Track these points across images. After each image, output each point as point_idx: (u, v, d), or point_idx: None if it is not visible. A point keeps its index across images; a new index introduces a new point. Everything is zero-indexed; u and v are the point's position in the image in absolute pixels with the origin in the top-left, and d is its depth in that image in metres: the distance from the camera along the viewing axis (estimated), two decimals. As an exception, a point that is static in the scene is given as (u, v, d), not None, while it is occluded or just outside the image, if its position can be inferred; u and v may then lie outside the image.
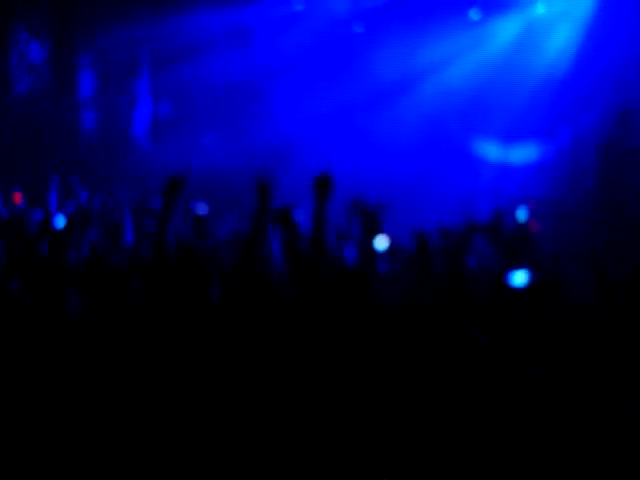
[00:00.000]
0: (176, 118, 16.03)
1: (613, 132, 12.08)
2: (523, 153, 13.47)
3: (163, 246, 4.75)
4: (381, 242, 6.02)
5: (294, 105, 15.44)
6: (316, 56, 15.33)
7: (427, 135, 14.85)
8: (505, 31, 14.51)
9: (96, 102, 15.94)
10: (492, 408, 3.10)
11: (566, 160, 12.88)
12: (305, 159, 14.83)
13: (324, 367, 3.64)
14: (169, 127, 15.97)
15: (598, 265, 6.21)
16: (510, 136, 13.89)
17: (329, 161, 14.19)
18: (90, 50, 15.81)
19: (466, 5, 14.71)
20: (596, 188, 12.16)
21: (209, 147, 15.94)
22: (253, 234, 4.72)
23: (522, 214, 7.30)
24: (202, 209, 7.97)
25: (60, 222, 7.08)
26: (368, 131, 15.25)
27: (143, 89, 16.01)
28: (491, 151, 14.07)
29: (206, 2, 14.61)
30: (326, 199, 4.45)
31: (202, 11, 14.70)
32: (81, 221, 7.06)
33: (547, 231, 11.94)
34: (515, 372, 3.75)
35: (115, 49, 15.56)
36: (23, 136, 14.17)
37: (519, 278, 4.98)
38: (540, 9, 14.13)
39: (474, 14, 14.72)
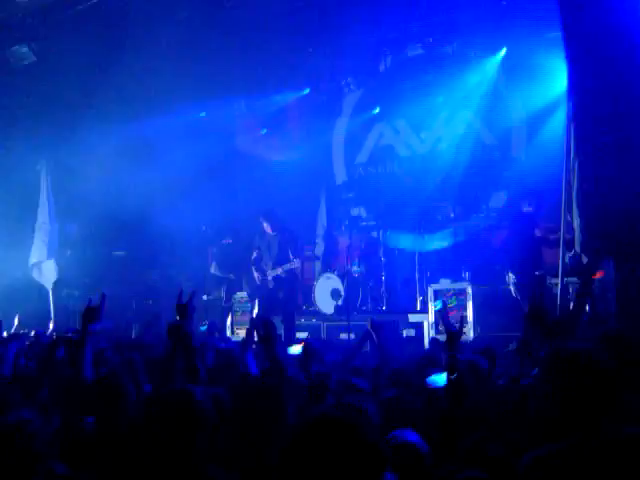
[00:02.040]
0: (83, 237, 15.61)
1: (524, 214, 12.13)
2: (437, 240, 13.40)
3: (80, 374, 4.72)
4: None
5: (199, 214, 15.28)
6: (222, 162, 15.24)
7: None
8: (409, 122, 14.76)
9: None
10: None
11: (479, 243, 12.88)
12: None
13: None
14: (77, 247, 15.53)
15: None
16: (423, 224, 13.86)
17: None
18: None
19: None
20: (514, 268, 12.09)
21: (120, 261, 15.52)
22: (169, 355, 4.71)
23: (438, 304, 7.07)
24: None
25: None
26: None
27: (48, 212, 15.54)
28: (406, 241, 13.98)
29: (106, 117, 14.33)
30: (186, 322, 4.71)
31: (102, 126, 14.40)
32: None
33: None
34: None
35: (15, 169, 15.12)
36: None
37: (437, 380, 4.98)
38: (440, 98, 14.40)
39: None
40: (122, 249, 15.63)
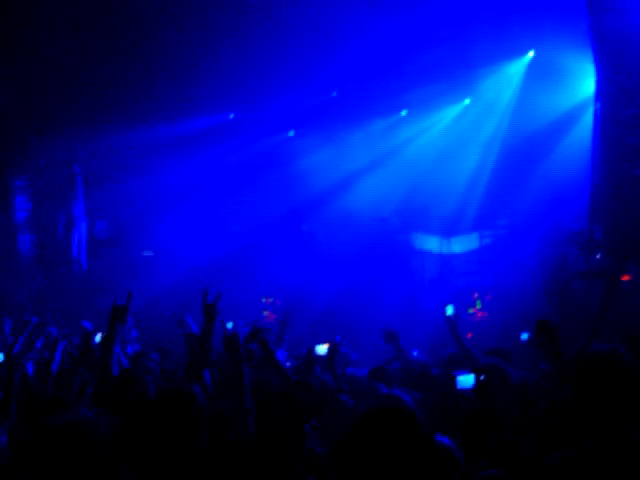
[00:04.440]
0: (113, 235, 15.78)
1: (550, 217, 12.13)
2: (463, 243, 13.42)
3: (107, 370, 4.75)
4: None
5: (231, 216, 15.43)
6: (251, 161, 15.34)
7: (368, 235, 14.75)
8: (435, 125, 14.74)
9: (32, 224, 15.62)
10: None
11: (505, 246, 12.86)
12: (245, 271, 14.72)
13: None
14: (107, 245, 15.70)
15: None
16: (449, 227, 13.87)
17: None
18: (24, 172, 15.58)
19: (395, 103, 14.91)
20: (539, 271, 12.08)
21: (150, 261, 15.64)
22: (199, 351, 4.78)
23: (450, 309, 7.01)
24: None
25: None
26: (306, 237, 15.17)
27: (79, 208, 15.73)
28: (432, 243, 14.01)
29: (142, 116, 14.44)
30: (212, 323, 4.76)
31: (137, 125, 14.57)
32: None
33: (493, 318, 11.84)
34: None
35: (49, 170, 15.36)
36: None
37: (466, 382, 5.01)
38: (466, 101, 14.42)
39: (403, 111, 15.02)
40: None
